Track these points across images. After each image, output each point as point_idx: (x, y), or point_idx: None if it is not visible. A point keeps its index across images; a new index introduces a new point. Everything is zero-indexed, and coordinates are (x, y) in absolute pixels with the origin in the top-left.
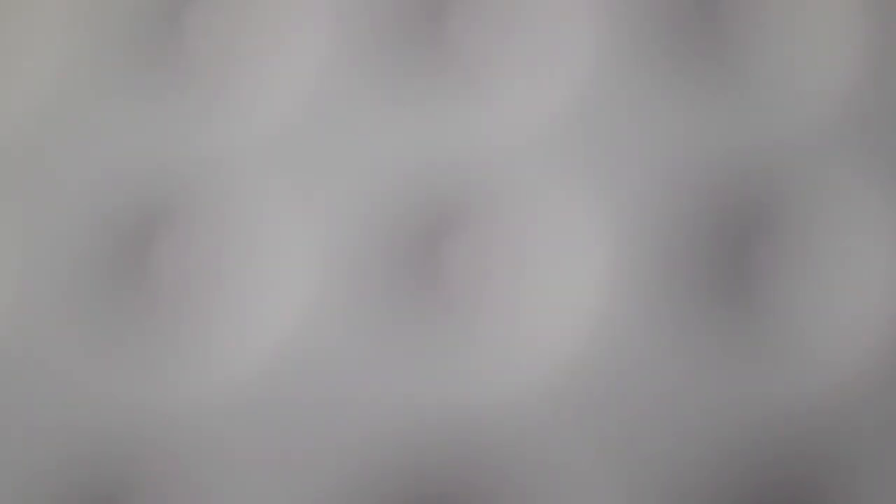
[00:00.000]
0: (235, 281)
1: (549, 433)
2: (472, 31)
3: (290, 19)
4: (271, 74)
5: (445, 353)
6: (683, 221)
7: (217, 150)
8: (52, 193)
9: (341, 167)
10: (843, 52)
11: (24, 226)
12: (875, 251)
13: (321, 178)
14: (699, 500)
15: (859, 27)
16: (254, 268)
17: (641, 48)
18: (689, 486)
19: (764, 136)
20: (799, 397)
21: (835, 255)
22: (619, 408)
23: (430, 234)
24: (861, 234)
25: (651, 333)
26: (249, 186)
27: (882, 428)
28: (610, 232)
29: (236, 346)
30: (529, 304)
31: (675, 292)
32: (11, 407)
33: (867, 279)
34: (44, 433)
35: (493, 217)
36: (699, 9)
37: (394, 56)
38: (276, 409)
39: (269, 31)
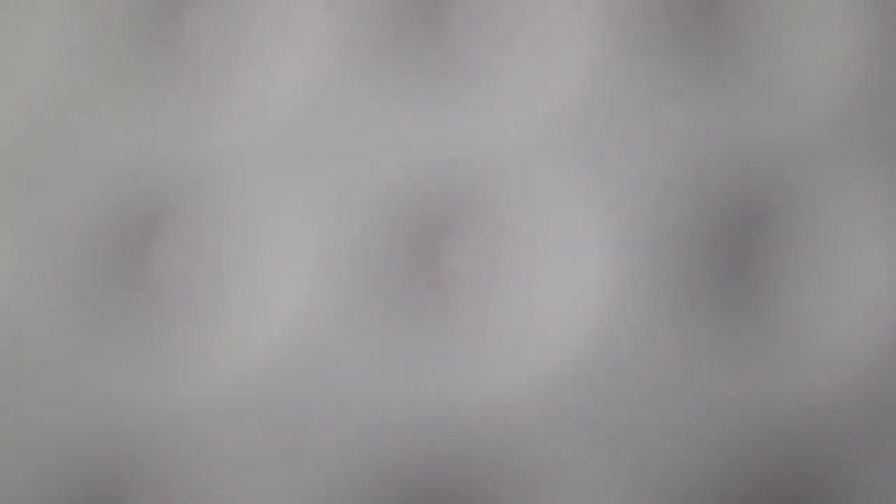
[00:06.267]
0: (235, 279)
1: (549, 431)
2: (473, 30)
3: (291, 19)
4: (271, 74)
5: (446, 350)
6: (685, 220)
7: (217, 150)
8: (52, 193)
9: (342, 167)
10: (845, 49)
11: (24, 225)
12: (877, 249)
13: (322, 178)
14: (700, 498)
15: (861, 24)
16: (254, 266)
17: (642, 47)
18: (690, 483)
19: (765, 133)
20: (800, 395)
21: (836, 253)
22: (621, 406)
23: (430, 234)
24: (863, 231)
25: (652, 331)
26: (250, 186)
27: (883, 427)
28: (612, 230)
29: (237, 343)
30: (530, 302)
31: (676, 291)
32: (11, 406)
33: (869, 277)
34: (43, 431)
35: (493, 216)
36: (700, 6)
37: (395, 55)
38: (276, 407)
39: (269, 30)
